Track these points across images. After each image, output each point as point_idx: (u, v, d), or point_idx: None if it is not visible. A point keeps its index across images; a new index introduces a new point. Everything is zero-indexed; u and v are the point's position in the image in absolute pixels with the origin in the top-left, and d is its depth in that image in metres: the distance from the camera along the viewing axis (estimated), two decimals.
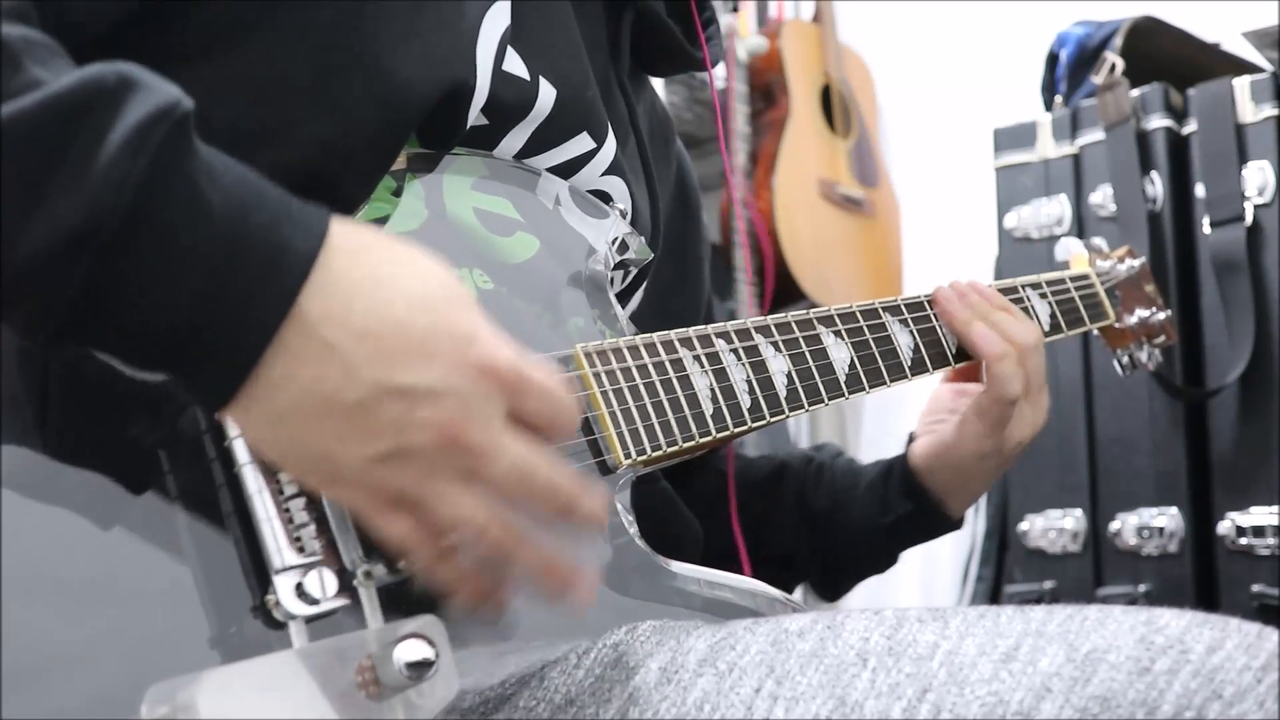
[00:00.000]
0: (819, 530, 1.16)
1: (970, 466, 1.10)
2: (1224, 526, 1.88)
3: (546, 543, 0.67)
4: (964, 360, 1.08)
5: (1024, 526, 2.06)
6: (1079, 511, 2.01)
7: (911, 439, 1.16)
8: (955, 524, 1.14)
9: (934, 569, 2.76)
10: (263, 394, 0.62)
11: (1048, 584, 2.02)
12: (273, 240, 0.61)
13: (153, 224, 0.59)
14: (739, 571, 0.99)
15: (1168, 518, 1.92)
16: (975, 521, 2.28)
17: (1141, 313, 1.32)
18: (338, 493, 0.65)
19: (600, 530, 0.69)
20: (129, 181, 0.58)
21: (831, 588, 1.20)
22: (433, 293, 0.65)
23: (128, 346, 0.62)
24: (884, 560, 1.18)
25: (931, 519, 1.13)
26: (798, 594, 1.21)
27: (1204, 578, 1.90)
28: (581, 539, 0.70)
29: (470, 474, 0.64)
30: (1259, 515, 1.85)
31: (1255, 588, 1.83)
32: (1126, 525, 1.96)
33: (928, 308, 1.07)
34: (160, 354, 0.61)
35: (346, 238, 0.64)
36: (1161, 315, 1.34)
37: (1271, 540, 1.82)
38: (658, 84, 1.26)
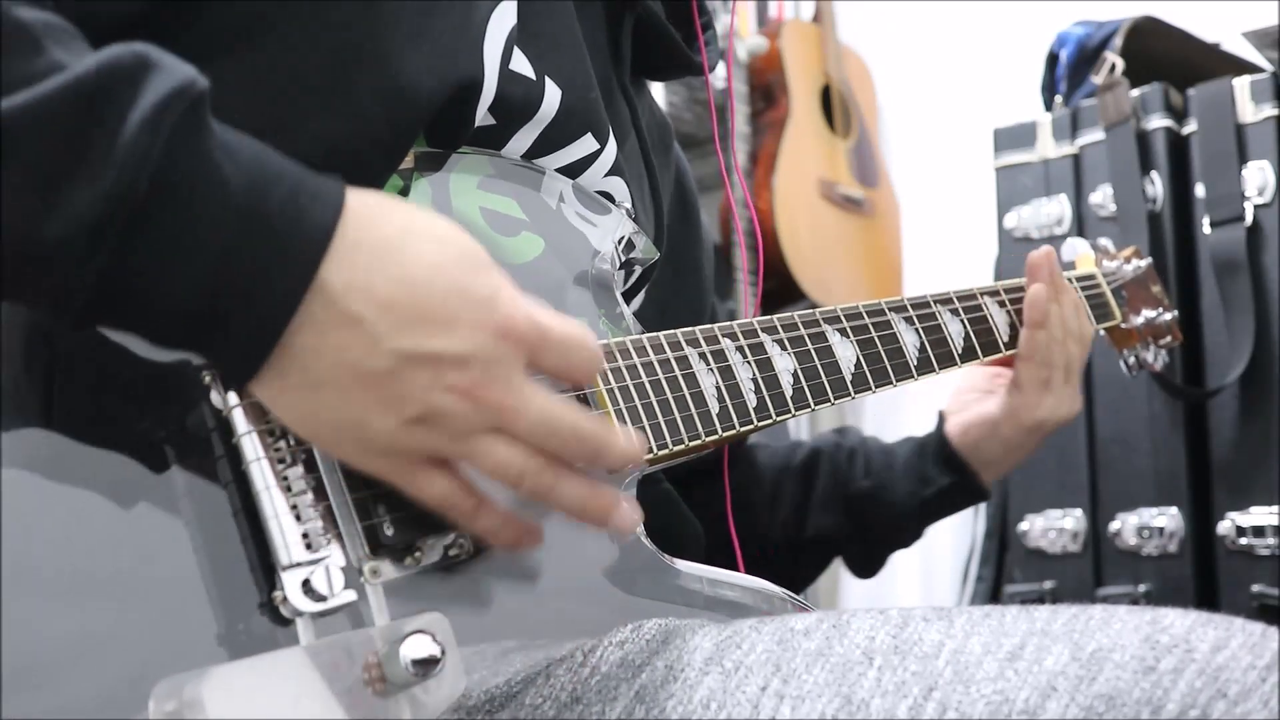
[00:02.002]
0: (859, 509, 1.20)
1: (1018, 438, 1.17)
2: (1224, 526, 1.88)
3: (580, 480, 0.70)
4: (970, 359, 1.09)
5: (1024, 526, 2.06)
6: (1079, 511, 2.01)
7: (942, 418, 1.21)
8: (987, 494, 1.22)
9: (934, 569, 2.76)
10: (291, 365, 0.63)
11: (1048, 584, 2.02)
12: (291, 212, 0.63)
13: (173, 202, 0.60)
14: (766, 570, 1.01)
15: (1168, 518, 1.92)
16: (975, 521, 2.28)
17: (1148, 313, 1.32)
18: (372, 463, 0.67)
19: (636, 465, 0.73)
20: (148, 162, 0.59)
21: (868, 565, 1.25)
22: (451, 258, 0.67)
23: (153, 325, 0.63)
24: (914, 535, 1.24)
25: (967, 491, 1.20)
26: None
27: (1204, 578, 1.90)
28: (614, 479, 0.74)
29: (499, 429, 0.67)
30: (1259, 515, 1.85)
31: (1255, 588, 1.83)
32: (1126, 525, 1.96)
33: (933, 305, 1.07)
34: (186, 330, 0.62)
35: (362, 206, 0.66)
36: (1168, 316, 1.34)
37: (1271, 540, 1.83)
38: (656, 85, 1.27)
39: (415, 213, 0.68)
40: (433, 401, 0.65)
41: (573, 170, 0.93)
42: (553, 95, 0.90)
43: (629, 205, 0.98)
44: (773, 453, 1.24)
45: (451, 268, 0.66)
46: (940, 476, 1.19)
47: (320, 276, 0.63)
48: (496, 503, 0.70)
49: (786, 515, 1.21)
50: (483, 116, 0.86)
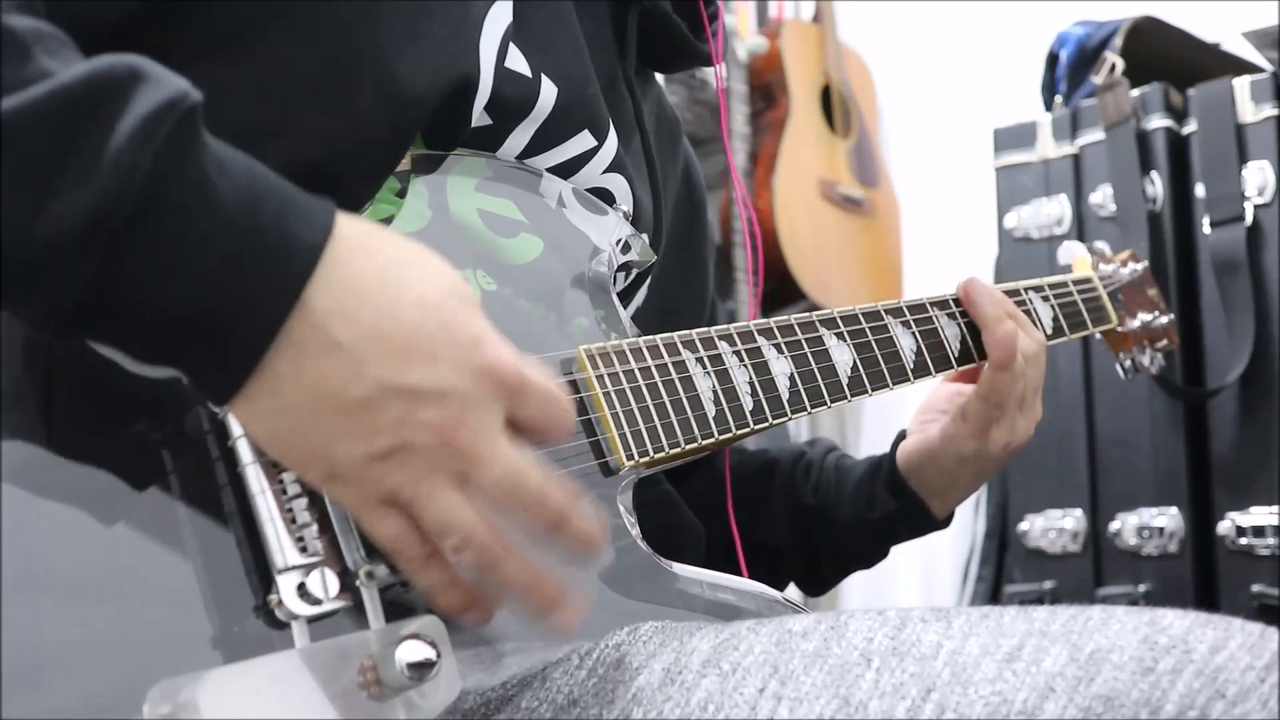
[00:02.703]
0: (807, 525, 1.16)
1: (953, 468, 1.10)
2: (1224, 526, 1.88)
3: (534, 559, 0.67)
4: (967, 363, 1.08)
5: (1024, 526, 2.06)
6: (1079, 511, 2.01)
7: (902, 436, 1.16)
8: (941, 523, 1.15)
9: (934, 569, 2.76)
10: (268, 388, 0.62)
11: (1048, 584, 2.02)
12: (281, 232, 0.62)
13: (162, 214, 0.59)
14: (735, 570, 1.00)
15: (1168, 518, 1.92)
16: (975, 521, 2.29)
17: (1144, 316, 1.32)
18: (334, 489, 0.66)
19: (592, 553, 0.69)
20: (138, 172, 0.59)
21: (817, 582, 1.20)
22: (440, 294, 0.65)
23: (136, 339, 0.62)
24: (871, 556, 1.18)
25: (916, 518, 1.13)
26: (796, 593, 1.21)
27: (1204, 578, 1.90)
28: (574, 560, 0.69)
29: (463, 478, 0.64)
30: (1259, 515, 1.85)
31: (1255, 588, 1.83)
32: (1126, 525, 1.96)
33: (930, 309, 1.07)
34: (168, 346, 0.62)
35: (353, 232, 0.65)
36: (1164, 319, 1.34)
37: (1271, 540, 1.83)
38: None
39: (407, 246, 0.67)
40: (403, 437, 0.63)
41: (570, 167, 0.93)
42: (548, 92, 0.90)
43: (629, 203, 0.97)
44: (735, 460, 1.19)
45: (440, 305, 0.65)
46: (887, 501, 1.12)
47: (305, 299, 0.62)
48: (449, 563, 0.67)
49: (740, 522, 1.13)
50: (479, 116, 0.86)
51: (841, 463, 1.18)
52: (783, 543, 1.16)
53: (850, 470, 1.17)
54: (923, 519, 1.13)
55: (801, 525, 1.16)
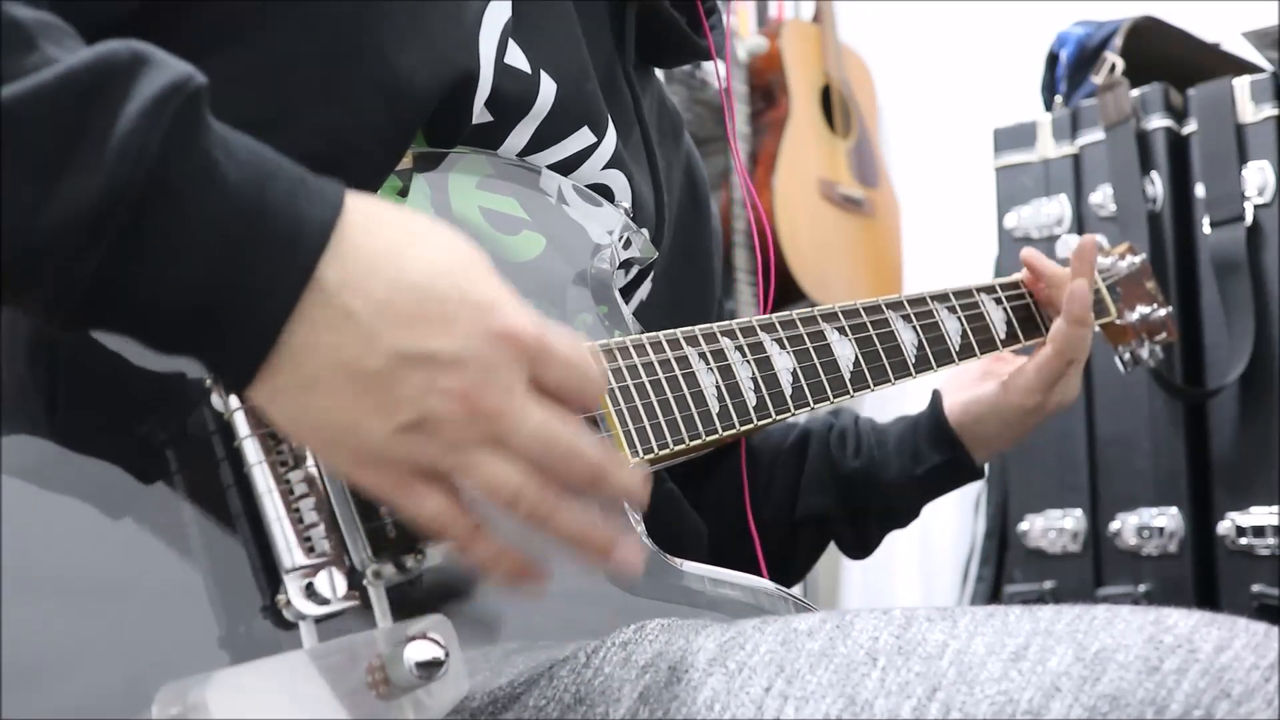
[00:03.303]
0: (851, 488, 1.20)
1: (1014, 419, 1.18)
2: (1224, 526, 1.88)
3: (583, 509, 0.66)
4: (967, 358, 1.09)
5: (1024, 526, 2.06)
6: (1079, 511, 2.01)
7: (937, 396, 1.21)
8: (980, 473, 1.22)
9: (934, 569, 2.76)
10: (285, 366, 0.61)
11: (1048, 584, 2.02)
12: (290, 210, 0.61)
13: (169, 197, 0.59)
14: (757, 564, 1.01)
15: (1168, 518, 1.92)
16: (975, 521, 2.29)
17: (1142, 309, 1.33)
18: (365, 474, 0.64)
19: (637, 503, 0.69)
20: (145, 156, 0.58)
21: (862, 545, 1.25)
22: (453, 260, 0.65)
23: (148, 325, 0.62)
24: (909, 514, 1.24)
25: (961, 469, 1.19)
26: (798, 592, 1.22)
27: (1204, 578, 1.90)
28: (617, 512, 0.70)
29: (496, 441, 0.63)
30: (1259, 515, 1.85)
31: (1255, 588, 1.83)
32: (1126, 525, 1.96)
33: (930, 303, 1.08)
34: (181, 331, 0.61)
35: (363, 208, 0.64)
36: (1162, 312, 1.35)
37: (1271, 540, 1.83)
38: None
39: (417, 218, 0.67)
40: (427, 406, 0.62)
41: (570, 164, 0.93)
42: (548, 88, 0.90)
43: (629, 199, 0.98)
44: (766, 435, 1.22)
45: (452, 272, 0.64)
46: (933, 454, 1.18)
47: (317, 275, 0.61)
48: (498, 532, 0.66)
49: (779, 499, 1.19)
50: (480, 112, 0.86)
51: (874, 424, 1.23)
52: (826, 510, 1.19)
53: (887, 430, 1.22)
54: (968, 471, 1.20)
55: (847, 491, 1.20)
